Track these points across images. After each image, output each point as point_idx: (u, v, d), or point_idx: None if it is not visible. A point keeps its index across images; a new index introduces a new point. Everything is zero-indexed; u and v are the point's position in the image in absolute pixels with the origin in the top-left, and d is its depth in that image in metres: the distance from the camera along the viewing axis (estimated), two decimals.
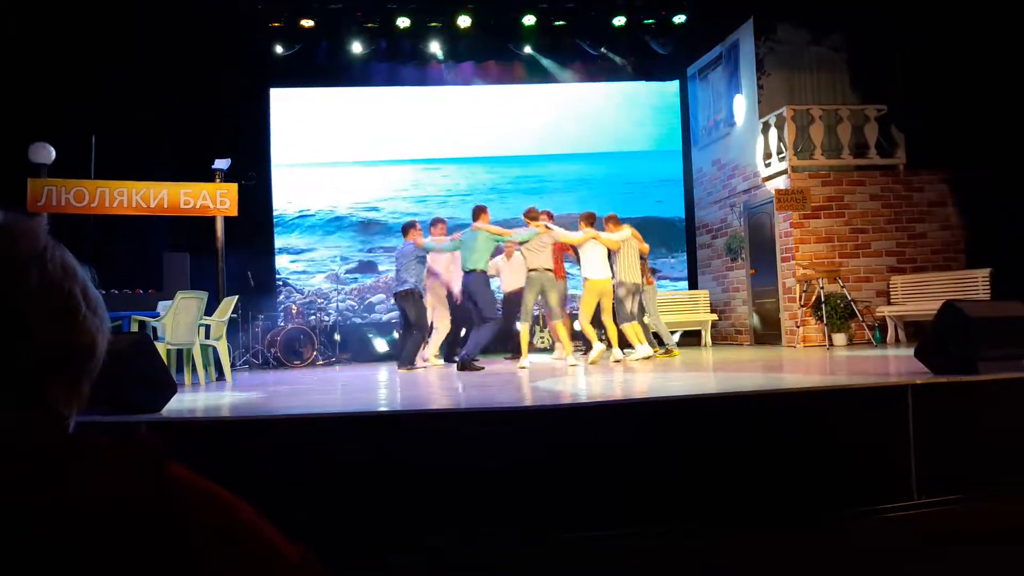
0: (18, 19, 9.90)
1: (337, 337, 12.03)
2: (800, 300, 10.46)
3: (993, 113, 9.62)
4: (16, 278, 0.74)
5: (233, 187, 9.61)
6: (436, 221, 9.69)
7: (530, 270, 8.56)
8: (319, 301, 12.68)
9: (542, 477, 3.86)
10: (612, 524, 3.80)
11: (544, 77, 13.75)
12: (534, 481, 3.84)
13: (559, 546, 3.69)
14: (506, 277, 10.23)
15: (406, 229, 9.05)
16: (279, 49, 12.52)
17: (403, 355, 8.83)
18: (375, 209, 13.69)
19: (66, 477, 0.70)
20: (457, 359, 8.52)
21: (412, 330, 8.81)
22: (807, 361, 7.54)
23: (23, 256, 0.76)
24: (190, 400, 5.78)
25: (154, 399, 4.54)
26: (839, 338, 10.18)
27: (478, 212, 8.72)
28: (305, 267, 13.39)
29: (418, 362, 9.00)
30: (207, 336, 8.14)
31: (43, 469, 0.70)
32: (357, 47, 12.69)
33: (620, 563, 3.57)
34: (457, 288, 9.41)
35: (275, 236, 13.28)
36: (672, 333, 12.52)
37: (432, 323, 9.36)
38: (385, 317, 13.11)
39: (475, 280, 8.39)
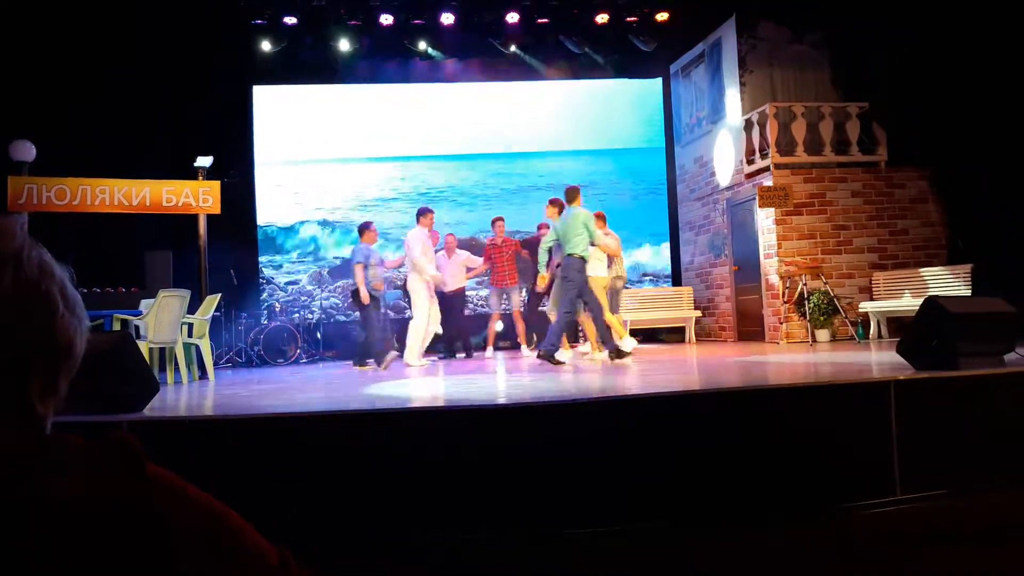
0: None
1: (319, 335, 11.98)
2: (783, 297, 10.51)
3: (974, 110, 9.69)
4: None
5: (216, 185, 9.56)
6: (424, 211, 9.58)
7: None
8: (303, 299, 12.63)
9: (530, 474, 3.86)
10: (599, 521, 3.81)
11: (528, 74, 13.76)
12: (523, 478, 3.84)
13: (550, 543, 3.70)
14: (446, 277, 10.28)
15: (362, 231, 9.13)
16: (262, 46, 12.44)
17: (361, 353, 9.05)
18: (359, 206, 13.63)
19: (43, 479, 0.69)
20: (539, 350, 8.04)
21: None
22: (790, 358, 7.58)
23: None
24: (173, 399, 5.74)
25: (136, 398, 4.51)
26: (822, 334, 10.23)
27: (573, 194, 8.34)
28: (288, 265, 13.33)
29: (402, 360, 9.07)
30: (190, 334, 8.10)
31: (19, 470, 0.70)
32: (340, 45, 12.62)
33: (609, 559, 3.57)
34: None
35: (258, 234, 13.21)
36: (657, 330, 12.62)
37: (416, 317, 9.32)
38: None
39: (573, 265, 8.01)
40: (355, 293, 8.81)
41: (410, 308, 9.87)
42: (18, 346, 0.75)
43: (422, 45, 12.91)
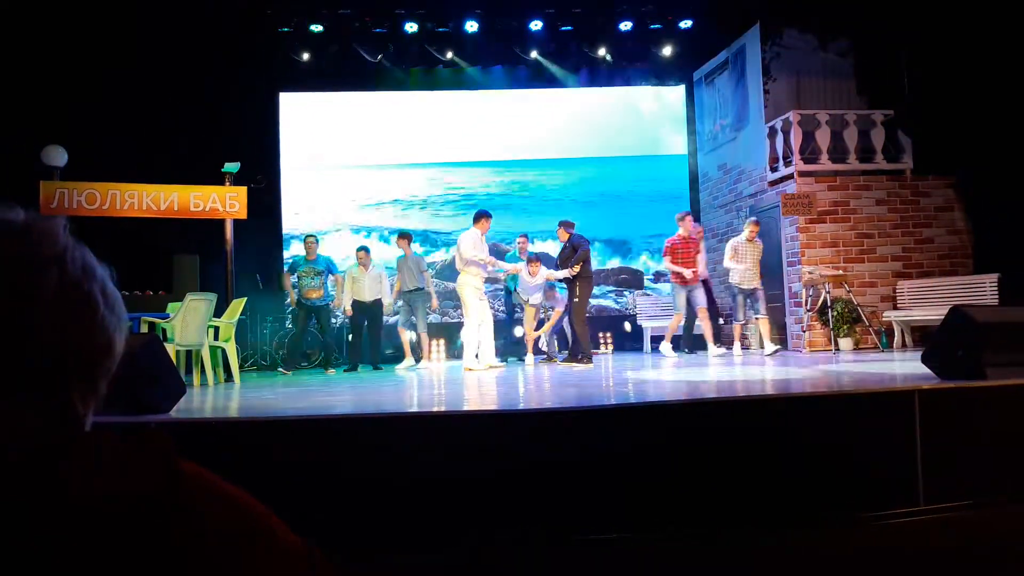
0: (29, 22, 9.96)
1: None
2: (806, 305, 10.45)
3: (1000, 118, 9.59)
4: (36, 278, 0.75)
5: (242, 190, 9.65)
6: (483, 214, 9.23)
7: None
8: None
9: (552, 479, 3.87)
10: (629, 528, 3.80)
11: (550, 82, 13.78)
12: (546, 483, 3.85)
13: (571, 547, 3.70)
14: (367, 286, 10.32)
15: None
16: (288, 54, 12.59)
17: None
18: (382, 212, 13.71)
19: (79, 474, 0.71)
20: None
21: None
22: (813, 366, 7.52)
23: (43, 256, 0.77)
24: (199, 401, 5.80)
25: (163, 400, 4.55)
26: (845, 343, 10.16)
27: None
28: None
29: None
30: (216, 338, 8.17)
31: (59, 467, 0.72)
32: (365, 52, 12.72)
33: (638, 566, 3.57)
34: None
35: (283, 239, 13.31)
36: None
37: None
38: (391, 320, 13.10)
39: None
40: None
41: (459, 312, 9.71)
42: (60, 346, 0.77)
43: (445, 53, 12.96)
